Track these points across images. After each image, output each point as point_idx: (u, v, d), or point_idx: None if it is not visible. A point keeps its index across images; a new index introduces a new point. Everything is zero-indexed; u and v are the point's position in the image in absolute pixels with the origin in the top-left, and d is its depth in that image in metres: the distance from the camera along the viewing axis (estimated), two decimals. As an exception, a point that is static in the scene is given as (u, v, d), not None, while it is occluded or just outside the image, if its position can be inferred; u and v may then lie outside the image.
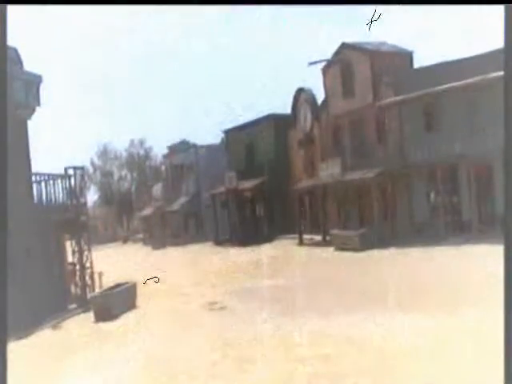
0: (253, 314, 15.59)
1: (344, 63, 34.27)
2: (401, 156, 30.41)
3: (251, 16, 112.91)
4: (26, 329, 16.23)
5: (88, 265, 22.36)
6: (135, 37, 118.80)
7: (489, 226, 25.00)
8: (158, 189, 65.40)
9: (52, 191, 21.47)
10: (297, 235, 36.36)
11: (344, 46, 34.33)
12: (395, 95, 30.49)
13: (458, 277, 17.57)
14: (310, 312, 14.78)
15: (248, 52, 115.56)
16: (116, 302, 18.54)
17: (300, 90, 39.99)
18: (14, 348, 12.43)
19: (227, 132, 51.29)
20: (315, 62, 35.14)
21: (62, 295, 21.03)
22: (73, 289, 22.50)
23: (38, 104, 20.97)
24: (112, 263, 34.38)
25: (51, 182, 21.47)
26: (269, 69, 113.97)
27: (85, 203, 23.91)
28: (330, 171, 34.23)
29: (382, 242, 27.57)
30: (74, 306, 21.31)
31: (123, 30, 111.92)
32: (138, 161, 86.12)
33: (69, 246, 22.70)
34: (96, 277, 23.34)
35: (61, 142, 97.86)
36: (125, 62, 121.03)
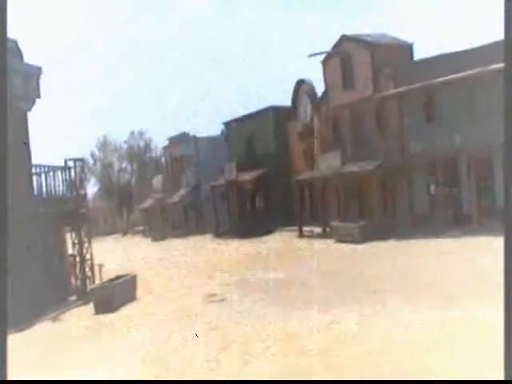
0: (252, 307, 15.62)
1: (344, 55, 34.21)
2: (401, 148, 30.41)
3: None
4: (26, 321, 16.26)
5: (88, 257, 22.40)
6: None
7: (489, 219, 24.97)
8: (157, 181, 65.40)
9: (52, 183, 21.49)
10: (297, 227, 36.37)
11: (344, 38, 34.26)
12: (395, 87, 30.47)
13: (455, 269, 17.62)
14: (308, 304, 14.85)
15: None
16: (116, 294, 18.57)
17: (300, 82, 39.93)
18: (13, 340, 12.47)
19: (227, 124, 51.26)
20: (315, 54, 35.08)
21: (62, 287, 21.06)
22: (73, 281, 22.53)
23: (38, 96, 20.97)
24: (111, 255, 34.44)
25: (51, 173, 21.48)
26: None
27: (85, 195, 23.94)
28: (329, 163, 34.22)
29: (382, 234, 27.59)
30: (74, 297, 21.36)
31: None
32: (138, 152, 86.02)
33: (69, 237, 22.74)
34: (96, 269, 23.37)
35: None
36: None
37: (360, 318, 12.54)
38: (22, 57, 20.40)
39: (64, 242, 23.10)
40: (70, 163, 22.25)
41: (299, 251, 28.81)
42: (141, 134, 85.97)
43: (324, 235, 33.59)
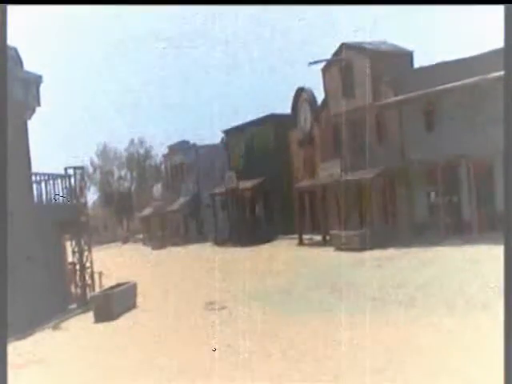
0: (251, 315, 15.60)
1: (344, 63, 34.24)
2: (401, 156, 30.40)
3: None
4: (26, 329, 16.22)
5: (88, 265, 22.37)
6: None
7: (489, 226, 24.94)
8: (157, 189, 65.39)
9: (52, 191, 21.50)
10: (296, 235, 36.33)
11: (344, 46, 34.28)
12: (395, 95, 30.47)
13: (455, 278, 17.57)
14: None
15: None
16: (116, 302, 18.52)
17: (300, 90, 39.95)
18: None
19: (227, 132, 51.27)
20: (315, 62, 35.12)
21: (61, 295, 21.03)
22: (73, 289, 22.52)
23: (38, 104, 21.00)
24: (111, 264, 34.40)
25: (51, 181, 21.50)
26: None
27: (85, 203, 23.93)
28: (329, 171, 34.18)
29: (382, 243, 27.52)
30: (73, 306, 21.33)
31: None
32: (137, 160, 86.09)
33: (69, 245, 22.72)
34: (96, 277, 23.35)
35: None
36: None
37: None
38: (22, 64, 20.42)
39: (64, 249, 23.09)
40: (70, 171, 22.28)
41: (298, 259, 28.81)
42: (141, 141, 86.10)
43: (324, 243, 33.54)
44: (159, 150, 76.80)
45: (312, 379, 9.59)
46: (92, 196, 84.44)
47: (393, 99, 30.55)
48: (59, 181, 21.89)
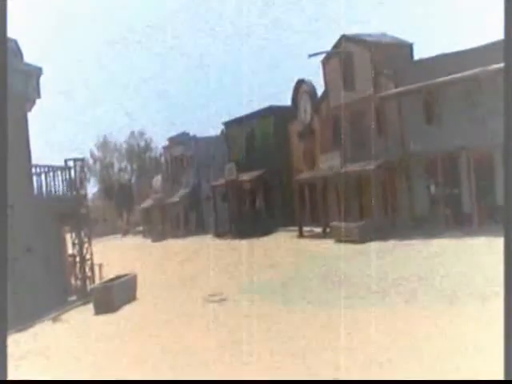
0: (249, 306, 15.68)
1: (344, 55, 34.16)
2: (401, 148, 30.38)
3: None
4: (26, 321, 16.25)
5: (88, 257, 22.39)
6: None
7: (489, 219, 24.94)
8: (157, 180, 65.36)
9: (52, 183, 21.51)
10: (296, 227, 36.33)
11: (344, 38, 34.22)
12: (395, 87, 30.43)
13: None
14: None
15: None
16: (116, 294, 18.55)
17: (300, 82, 39.90)
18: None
19: (227, 124, 51.20)
20: (315, 54, 35.04)
21: (62, 287, 21.05)
22: (73, 281, 22.54)
23: (39, 96, 20.97)
24: (110, 256, 34.45)
25: (51, 173, 21.50)
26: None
27: (85, 195, 23.93)
28: (329, 163, 34.17)
29: (382, 235, 27.54)
30: (74, 298, 21.36)
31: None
32: (138, 152, 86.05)
33: (69, 237, 22.74)
34: (96, 269, 23.37)
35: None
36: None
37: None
38: (22, 56, 20.38)
39: (64, 241, 23.11)
40: (70, 163, 22.27)
41: (299, 252, 28.86)
42: (141, 133, 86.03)
43: (324, 235, 33.53)
44: (159, 142, 76.66)
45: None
46: (92, 188, 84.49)
47: (393, 91, 30.51)
48: (59, 173, 21.89)
